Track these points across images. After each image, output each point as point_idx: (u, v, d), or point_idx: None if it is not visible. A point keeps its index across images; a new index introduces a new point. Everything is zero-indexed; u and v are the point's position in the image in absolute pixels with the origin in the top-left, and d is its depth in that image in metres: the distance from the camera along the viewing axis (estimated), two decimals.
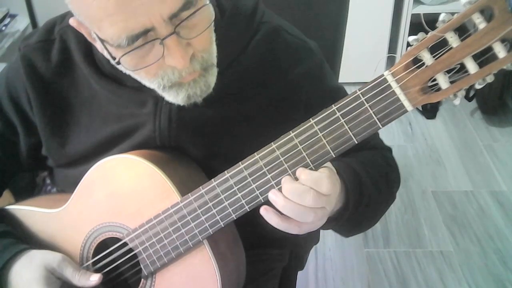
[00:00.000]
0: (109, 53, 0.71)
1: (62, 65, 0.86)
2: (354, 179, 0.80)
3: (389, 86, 0.63)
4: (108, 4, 0.63)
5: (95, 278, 0.82)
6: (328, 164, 0.71)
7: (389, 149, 0.96)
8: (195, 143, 0.85)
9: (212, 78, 0.75)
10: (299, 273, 1.23)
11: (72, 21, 0.73)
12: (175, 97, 0.75)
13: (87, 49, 0.84)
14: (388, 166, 0.91)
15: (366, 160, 0.87)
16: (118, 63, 0.71)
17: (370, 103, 0.64)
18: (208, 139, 0.85)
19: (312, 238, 1.20)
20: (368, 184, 0.83)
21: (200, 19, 0.69)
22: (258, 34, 0.85)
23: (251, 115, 0.85)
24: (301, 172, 0.69)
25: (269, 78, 0.86)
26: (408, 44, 0.62)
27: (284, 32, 0.87)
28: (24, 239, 0.89)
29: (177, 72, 0.71)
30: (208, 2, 0.69)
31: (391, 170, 0.92)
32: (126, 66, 0.71)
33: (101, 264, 0.86)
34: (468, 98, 2.64)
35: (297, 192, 0.67)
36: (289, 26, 0.90)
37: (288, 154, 0.69)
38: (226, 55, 0.82)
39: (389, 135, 2.60)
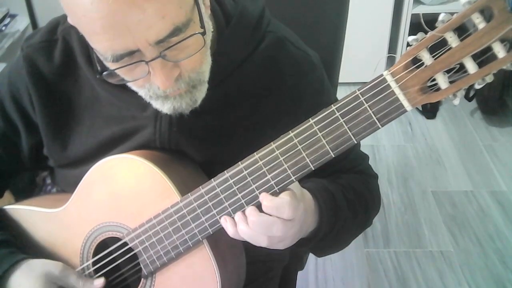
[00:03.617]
0: (100, 62, 0.72)
1: (64, 65, 0.86)
2: (329, 202, 0.81)
3: (388, 86, 0.63)
4: (95, 23, 0.63)
5: (99, 282, 0.83)
6: (294, 185, 0.72)
7: (375, 176, 0.97)
8: (195, 149, 0.85)
9: (199, 94, 0.75)
10: (299, 273, 1.23)
11: (69, 19, 0.73)
12: (161, 107, 0.75)
13: (90, 50, 0.84)
14: (369, 193, 0.92)
15: (347, 184, 0.88)
16: (102, 73, 0.71)
17: (370, 103, 0.64)
18: (208, 145, 0.85)
19: None
20: (344, 208, 0.84)
21: (191, 43, 0.68)
22: (263, 44, 0.85)
23: (252, 124, 0.86)
24: (264, 198, 0.70)
25: (271, 88, 0.86)
26: (408, 44, 0.62)
27: (289, 44, 0.87)
28: (23, 239, 0.89)
29: (161, 89, 0.71)
30: (201, 30, 0.68)
31: (371, 197, 0.92)
32: (115, 76, 0.72)
33: (101, 263, 0.86)
34: (468, 98, 2.64)
35: (264, 225, 0.70)
36: (294, 37, 0.89)
37: (288, 154, 0.69)
38: (229, 63, 0.82)
39: (389, 135, 2.60)
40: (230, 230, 0.73)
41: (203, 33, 0.68)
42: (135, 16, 0.61)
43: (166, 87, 0.70)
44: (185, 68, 0.70)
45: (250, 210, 0.71)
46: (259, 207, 0.71)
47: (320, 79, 0.90)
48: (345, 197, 0.85)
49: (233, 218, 0.73)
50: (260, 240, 0.71)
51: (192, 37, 0.67)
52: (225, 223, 0.73)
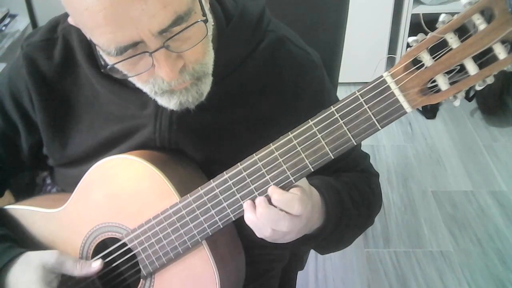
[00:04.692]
0: (102, 57, 0.71)
1: (64, 64, 0.86)
2: (336, 199, 0.81)
3: (388, 87, 0.63)
4: (97, 16, 0.62)
5: (97, 264, 0.83)
6: (303, 182, 0.71)
7: (376, 175, 0.97)
8: (195, 147, 0.85)
9: (205, 87, 0.75)
10: (299, 273, 1.23)
11: (70, 19, 0.73)
12: (167, 103, 0.75)
13: (90, 49, 0.83)
14: (371, 191, 0.92)
15: (351, 182, 0.88)
16: (106, 66, 0.71)
17: (369, 104, 0.64)
18: (208, 144, 0.85)
19: None
20: (349, 206, 0.84)
21: (194, 32, 0.68)
22: (263, 43, 0.85)
23: (252, 123, 0.85)
24: (273, 191, 0.70)
25: (271, 87, 0.86)
26: (408, 45, 0.62)
27: (289, 43, 0.87)
28: (23, 239, 0.89)
29: (166, 82, 0.71)
30: (203, 18, 0.68)
31: (374, 195, 0.93)
32: (118, 71, 0.72)
33: None
34: (468, 98, 2.64)
35: (272, 218, 0.69)
36: (294, 36, 0.89)
37: (287, 155, 0.68)
38: (230, 62, 0.82)
39: (389, 135, 2.60)
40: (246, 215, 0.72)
41: (206, 21, 0.68)
42: (137, 6, 0.61)
43: (171, 79, 0.69)
44: (188, 59, 0.70)
45: (260, 201, 0.71)
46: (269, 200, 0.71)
47: (321, 78, 0.90)
48: (350, 195, 0.85)
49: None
50: (264, 231, 0.71)
51: (194, 27, 0.67)
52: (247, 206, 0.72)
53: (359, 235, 0.92)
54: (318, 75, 0.90)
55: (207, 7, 0.74)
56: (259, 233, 0.72)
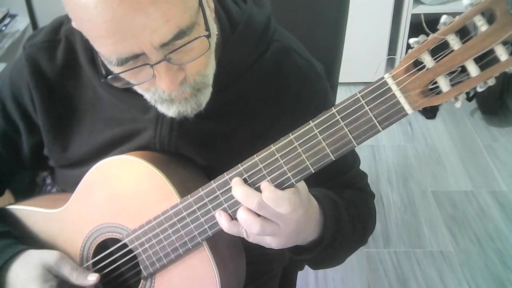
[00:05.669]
0: (103, 66, 0.71)
1: (67, 66, 0.85)
2: (334, 213, 0.80)
3: (389, 89, 0.63)
4: (99, 28, 0.62)
5: (93, 277, 0.82)
6: (303, 188, 0.71)
7: (373, 195, 0.96)
8: (194, 153, 0.85)
9: (204, 98, 0.75)
10: (299, 273, 1.23)
11: (73, 24, 0.73)
12: (166, 110, 0.75)
13: (93, 51, 0.83)
14: (367, 210, 0.92)
15: (349, 198, 0.88)
16: (106, 77, 0.70)
17: (370, 106, 0.64)
18: (207, 151, 0.85)
19: None
20: (346, 222, 0.83)
21: (197, 45, 0.67)
22: (268, 52, 0.85)
23: (253, 132, 0.85)
24: (265, 188, 0.69)
25: (274, 97, 0.85)
26: (408, 45, 0.61)
27: (294, 53, 0.87)
28: (24, 239, 0.89)
29: (167, 92, 0.71)
30: (206, 33, 0.68)
31: (369, 215, 0.92)
32: (119, 80, 0.71)
33: (101, 264, 0.86)
34: (468, 98, 2.64)
35: (246, 223, 0.69)
36: (299, 47, 0.89)
37: (288, 157, 0.68)
38: (234, 70, 0.82)
39: (389, 135, 2.60)
40: (224, 225, 0.72)
41: (208, 36, 0.68)
42: (140, 20, 0.61)
43: (171, 91, 0.69)
44: (190, 71, 0.70)
45: (240, 208, 0.70)
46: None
47: (324, 90, 0.90)
48: (348, 211, 0.84)
49: (228, 214, 0.72)
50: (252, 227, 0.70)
51: (197, 40, 0.66)
52: (220, 217, 0.72)
53: (351, 253, 0.90)
54: (322, 87, 0.90)
55: (212, 17, 0.73)
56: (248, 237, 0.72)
